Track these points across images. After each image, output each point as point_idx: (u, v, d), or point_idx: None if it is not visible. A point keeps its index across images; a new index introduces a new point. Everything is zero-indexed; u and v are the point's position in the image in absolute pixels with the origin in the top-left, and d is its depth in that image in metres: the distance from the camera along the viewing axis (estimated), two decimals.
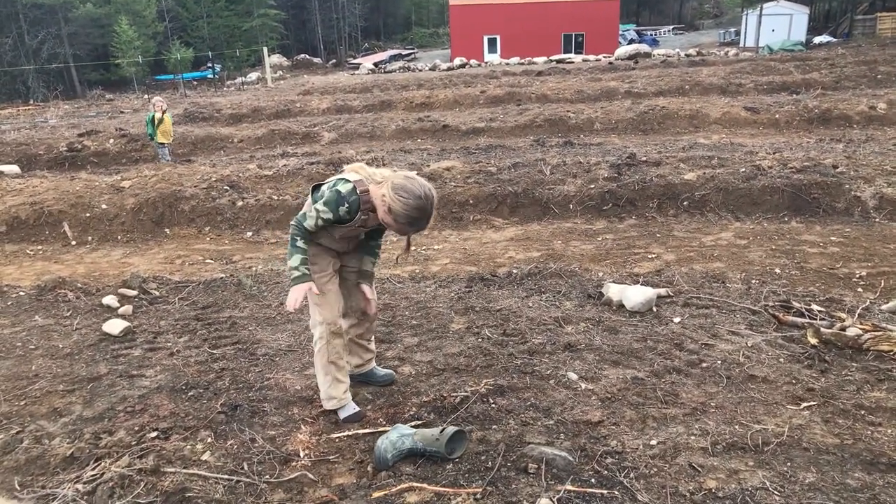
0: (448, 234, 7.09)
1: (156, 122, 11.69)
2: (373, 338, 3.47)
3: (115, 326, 4.32)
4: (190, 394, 3.45)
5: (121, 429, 3.11)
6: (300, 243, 2.92)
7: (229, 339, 4.19)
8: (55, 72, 35.98)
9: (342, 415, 3.15)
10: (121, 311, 4.67)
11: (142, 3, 39.47)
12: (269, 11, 47.12)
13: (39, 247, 7.32)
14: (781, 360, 3.52)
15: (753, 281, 4.84)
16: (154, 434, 3.05)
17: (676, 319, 4.11)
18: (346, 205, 2.78)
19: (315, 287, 2.94)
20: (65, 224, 7.58)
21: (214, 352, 3.98)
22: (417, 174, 2.84)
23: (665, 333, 3.90)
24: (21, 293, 5.09)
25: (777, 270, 5.19)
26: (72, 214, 7.68)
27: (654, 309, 4.28)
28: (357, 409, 3.18)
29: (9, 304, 4.90)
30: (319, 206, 2.81)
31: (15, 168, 11.81)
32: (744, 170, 7.38)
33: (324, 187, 2.94)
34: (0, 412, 3.36)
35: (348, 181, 2.83)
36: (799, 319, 3.94)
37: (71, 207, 7.75)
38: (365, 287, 3.21)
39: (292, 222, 2.94)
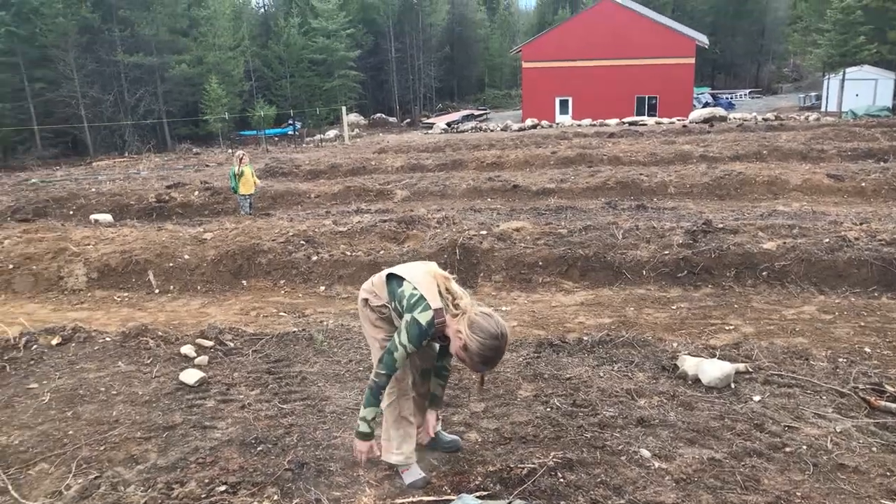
0: (517, 295, 7.05)
1: (237, 175, 12.27)
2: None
3: (191, 376, 4.45)
4: (259, 448, 3.50)
5: (192, 480, 3.17)
6: (380, 396, 2.99)
7: (299, 394, 4.25)
8: (149, 126, 38.40)
9: (407, 479, 3.12)
10: (197, 361, 4.82)
11: (231, 63, 41.95)
12: (349, 73, 49.20)
13: (126, 293, 7.69)
14: (874, 448, 3.30)
15: (840, 360, 4.58)
16: (223, 488, 3.09)
17: (756, 398, 3.92)
18: (427, 337, 2.88)
19: (375, 448, 3.09)
20: (150, 273, 7.95)
21: (284, 406, 4.04)
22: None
23: (744, 412, 3.72)
24: (107, 339, 5.33)
25: (867, 349, 4.91)
26: (156, 264, 8.06)
27: (733, 385, 4.10)
28: (423, 474, 3.15)
29: (95, 349, 5.14)
30: (405, 341, 2.84)
31: (109, 217, 12.56)
32: (828, 240, 7.09)
33: (404, 291, 2.93)
34: (81, 456, 3.48)
35: (429, 307, 2.83)
36: (893, 405, 3.69)
37: (156, 257, 8.14)
38: (430, 415, 3.31)
39: (380, 370, 2.91)
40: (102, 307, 7.27)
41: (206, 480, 3.17)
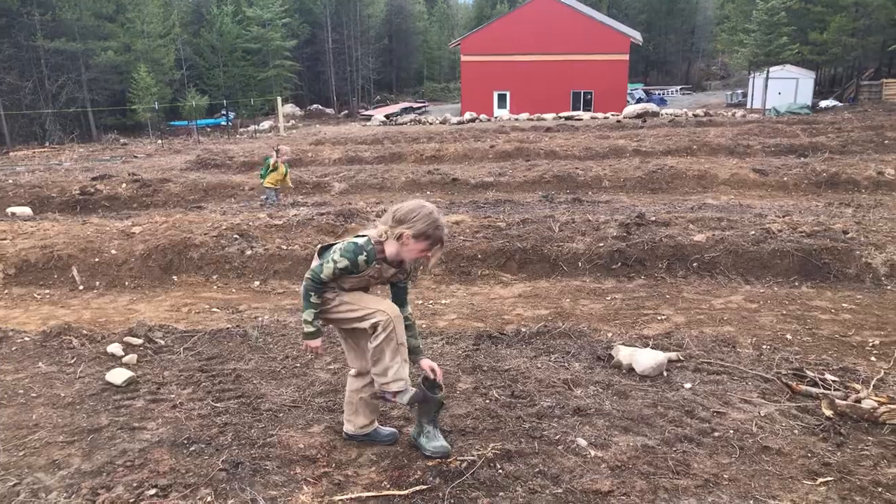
0: (456, 288, 7.07)
1: (270, 167, 11.54)
2: None
3: (118, 376, 4.27)
4: (191, 449, 3.39)
5: (119, 484, 3.05)
6: (313, 298, 3.07)
7: (233, 392, 4.13)
8: (72, 115, 36.72)
9: (405, 398, 3.14)
10: (125, 359, 4.63)
11: (161, 51, 40.53)
12: (284, 63, 48.24)
13: (47, 290, 7.33)
14: (796, 431, 3.45)
15: (765, 347, 4.78)
16: (153, 491, 2.98)
17: (687, 385, 4.04)
18: (364, 254, 2.96)
19: (321, 347, 3.19)
20: (73, 268, 7.60)
21: (218, 405, 3.92)
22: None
23: (676, 400, 3.83)
24: (26, 338, 5.06)
25: (788, 336, 5.14)
26: (81, 259, 7.70)
27: (665, 373, 4.22)
28: (415, 389, 3.17)
29: (13, 349, 4.87)
30: (336, 256, 2.98)
31: (27, 210, 11.93)
32: (753, 232, 7.39)
33: (335, 246, 3.08)
34: None
35: (363, 235, 3.02)
36: (813, 389, 3.86)
37: (81, 252, 7.78)
38: (425, 363, 3.26)
39: (307, 275, 3.05)
40: (21, 305, 6.90)
41: (135, 484, 3.05)
